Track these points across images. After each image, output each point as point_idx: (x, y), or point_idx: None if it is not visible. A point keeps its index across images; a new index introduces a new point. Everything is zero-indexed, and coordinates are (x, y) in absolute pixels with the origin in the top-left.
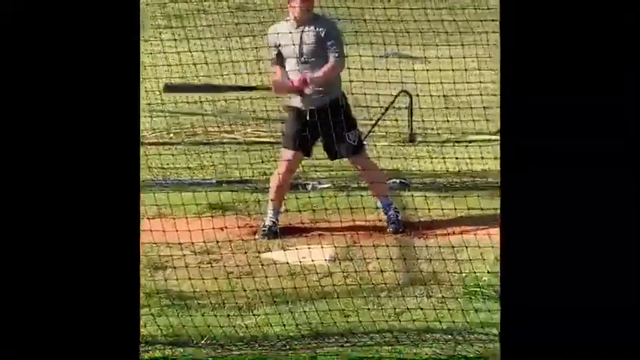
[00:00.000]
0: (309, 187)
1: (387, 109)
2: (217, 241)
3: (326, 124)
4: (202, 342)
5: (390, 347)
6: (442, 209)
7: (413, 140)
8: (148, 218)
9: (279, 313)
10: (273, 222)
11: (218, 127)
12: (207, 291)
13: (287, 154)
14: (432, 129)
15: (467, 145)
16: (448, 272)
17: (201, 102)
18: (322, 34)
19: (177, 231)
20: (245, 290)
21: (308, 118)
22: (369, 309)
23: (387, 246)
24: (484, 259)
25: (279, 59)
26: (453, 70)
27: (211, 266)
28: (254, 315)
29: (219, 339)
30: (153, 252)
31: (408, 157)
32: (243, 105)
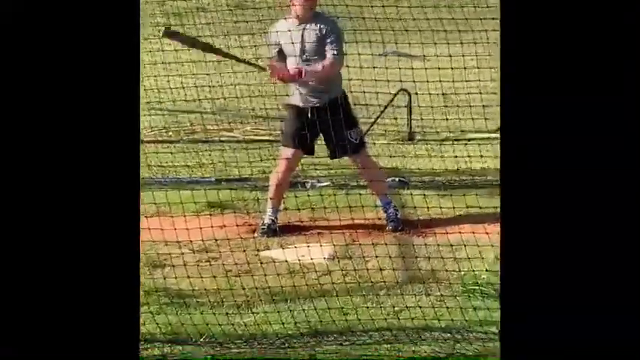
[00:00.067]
0: (309, 185)
1: (385, 107)
2: (216, 240)
3: (325, 122)
4: (201, 340)
5: (388, 345)
6: (441, 207)
7: (412, 139)
8: (146, 216)
9: (278, 312)
10: (272, 220)
11: (217, 125)
12: (206, 289)
13: (286, 152)
14: (431, 127)
15: (466, 144)
16: (447, 270)
17: (200, 100)
18: (323, 32)
19: (175, 229)
20: (244, 288)
21: (309, 116)
22: (367, 307)
23: (386, 244)
24: (483, 258)
25: (281, 57)
26: (452, 68)
27: (210, 264)
28: (253, 313)
29: (218, 337)
30: (152, 250)
31: (407, 156)
32: (242, 103)
